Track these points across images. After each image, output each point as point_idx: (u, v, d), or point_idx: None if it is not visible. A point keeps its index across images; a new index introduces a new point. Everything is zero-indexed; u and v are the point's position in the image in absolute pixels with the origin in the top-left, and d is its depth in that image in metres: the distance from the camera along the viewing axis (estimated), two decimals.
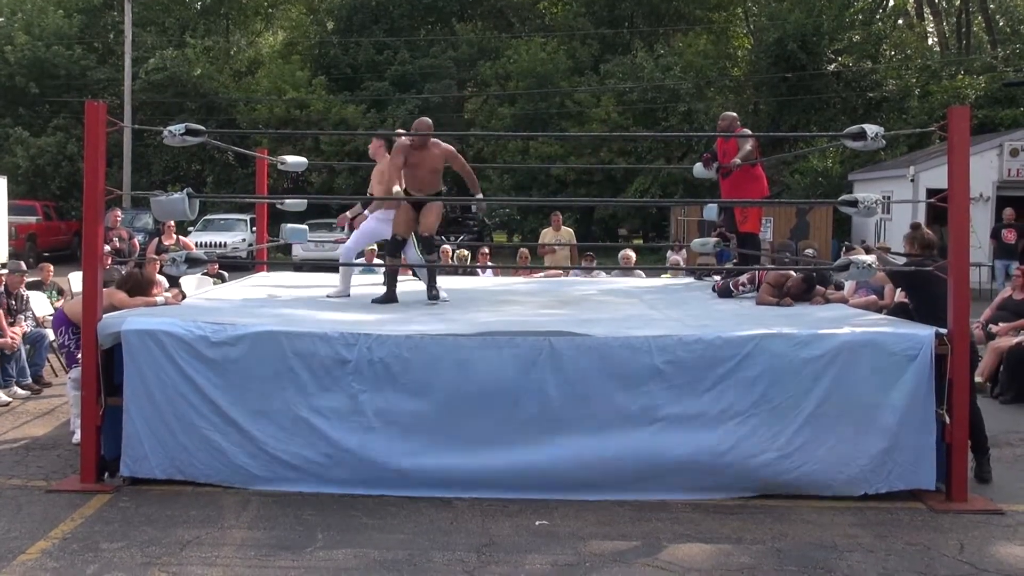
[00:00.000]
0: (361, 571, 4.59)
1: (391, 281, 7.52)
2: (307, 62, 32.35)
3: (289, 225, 9.75)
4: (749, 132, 9.38)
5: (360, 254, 9.39)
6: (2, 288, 8.93)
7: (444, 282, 8.95)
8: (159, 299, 6.65)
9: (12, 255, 19.74)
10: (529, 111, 30.17)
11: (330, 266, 15.85)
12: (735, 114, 8.93)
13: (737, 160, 8.28)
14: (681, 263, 15.12)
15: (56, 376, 9.36)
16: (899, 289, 6.52)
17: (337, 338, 5.70)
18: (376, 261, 9.28)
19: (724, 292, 7.95)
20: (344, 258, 8.21)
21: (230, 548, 4.83)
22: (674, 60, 29.37)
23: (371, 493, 5.62)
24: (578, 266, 12.80)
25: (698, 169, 9.10)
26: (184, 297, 7.11)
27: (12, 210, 22.43)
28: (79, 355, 6.20)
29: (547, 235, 13.88)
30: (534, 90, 29.90)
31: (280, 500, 5.55)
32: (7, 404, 8.10)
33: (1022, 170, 18.38)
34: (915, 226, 6.58)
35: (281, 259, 22.88)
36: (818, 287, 7.46)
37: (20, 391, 8.48)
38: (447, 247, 12.92)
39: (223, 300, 7.45)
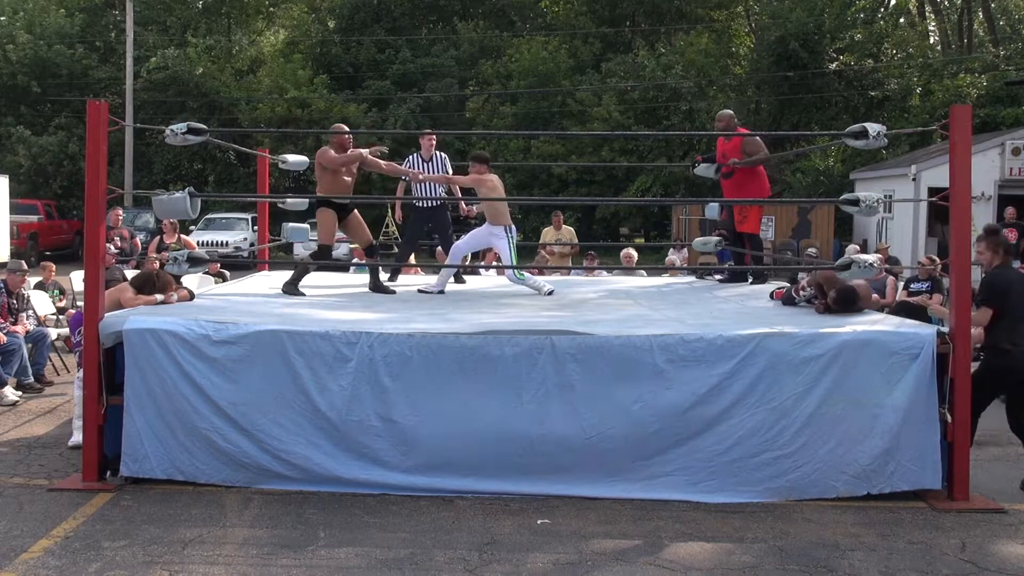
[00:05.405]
0: (363, 569, 4.59)
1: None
2: (308, 61, 32.37)
3: (290, 224, 9.74)
4: (747, 131, 9.38)
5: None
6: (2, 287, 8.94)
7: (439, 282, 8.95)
8: (158, 296, 6.61)
9: (14, 254, 19.80)
10: (530, 110, 30.18)
11: (331, 265, 15.80)
12: (731, 112, 8.93)
13: (734, 160, 8.30)
14: (679, 263, 15.12)
15: (58, 375, 9.37)
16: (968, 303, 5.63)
17: (339, 337, 5.70)
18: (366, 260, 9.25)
19: (787, 300, 7.25)
20: (453, 256, 8.41)
21: (232, 547, 4.84)
22: (676, 59, 29.37)
23: (373, 492, 5.62)
24: (580, 265, 12.80)
25: (700, 167, 9.11)
26: (193, 297, 7.09)
27: (14, 209, 22.50)
28: None
29: (548, 234, 13.88)
30: (535, 89, 29.90)
31: (282, 499, 5.55)
32: (14, 404, 8.09)
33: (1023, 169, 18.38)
34: (995, 230, 5.81)
35: (283, 258, 22.89)
36: (865, 295, 6.78)
37: (10, 395, 8.22)
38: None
39: (225, 299, 7.45)
